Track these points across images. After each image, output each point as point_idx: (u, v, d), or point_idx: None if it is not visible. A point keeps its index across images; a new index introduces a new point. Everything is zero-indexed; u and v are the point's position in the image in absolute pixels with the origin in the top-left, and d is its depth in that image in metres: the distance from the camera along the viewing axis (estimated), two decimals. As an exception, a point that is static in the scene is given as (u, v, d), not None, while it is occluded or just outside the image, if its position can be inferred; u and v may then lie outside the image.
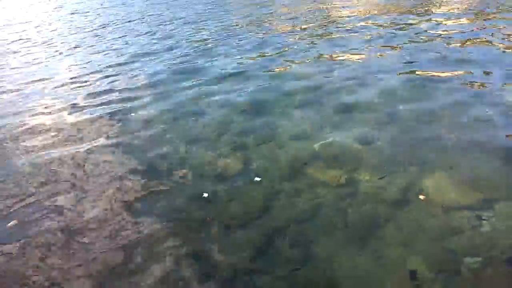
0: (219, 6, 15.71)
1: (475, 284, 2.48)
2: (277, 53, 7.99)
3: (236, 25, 11.29)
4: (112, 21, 14.77)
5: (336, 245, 2.94)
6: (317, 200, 3.41)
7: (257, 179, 3.76)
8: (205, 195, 3.62)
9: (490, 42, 7.04)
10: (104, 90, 6.92)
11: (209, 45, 9.27)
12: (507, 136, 3.99)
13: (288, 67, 7.02)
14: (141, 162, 4.34)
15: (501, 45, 6.79)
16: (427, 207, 3.17)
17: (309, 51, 7.87)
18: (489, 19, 8.90)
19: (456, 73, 5.76)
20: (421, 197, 3.28)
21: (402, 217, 3.12)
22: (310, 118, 4.89)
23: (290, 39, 9.01)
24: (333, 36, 8.86)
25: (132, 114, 5.70)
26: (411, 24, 9.16)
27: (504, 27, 7.99)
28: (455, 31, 8.08)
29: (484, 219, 2.93)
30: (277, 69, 6.98)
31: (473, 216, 2.98)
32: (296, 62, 7.28)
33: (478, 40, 7.26)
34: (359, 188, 3.52)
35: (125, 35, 11.67)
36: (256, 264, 2.87)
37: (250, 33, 10.03)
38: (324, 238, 3.01)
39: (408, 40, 7.77)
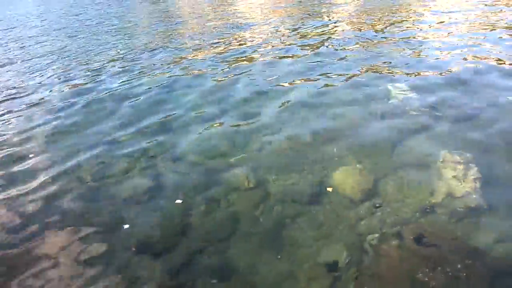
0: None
1: (379, 259, 2.73)
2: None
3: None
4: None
5: (253, 252, 2.99)
6: (232, 209, 3.45)
7: (178, 201, 3.64)
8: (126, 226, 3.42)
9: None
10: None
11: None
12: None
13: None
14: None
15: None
16: (336, 200, 3.41)
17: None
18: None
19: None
20: (329, 189, 3.53)
21: (314, 212, 3.30)
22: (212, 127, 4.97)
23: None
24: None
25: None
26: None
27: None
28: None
29: (378, 206, 3.28)
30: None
31: (373, 203, 3.31)
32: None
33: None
34: (268, 189, 3.64)
35: None
36: (178, 281, 2.82)
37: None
38: (242, 246, 3.05)
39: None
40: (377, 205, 3.26)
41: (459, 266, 2.40)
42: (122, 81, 7.46)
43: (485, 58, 6.24)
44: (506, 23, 8.37)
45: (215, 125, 5.08)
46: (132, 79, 7.48)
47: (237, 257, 2.96)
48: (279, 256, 2.93)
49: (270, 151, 4.28)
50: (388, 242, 2.84)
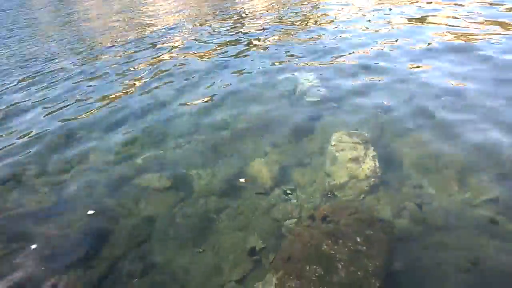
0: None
1: (292, 241, 2.93)
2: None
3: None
4: None
5: (175, 250, 3.05)
6: (148, 211, 3.45)
7: (90, 212, 3.52)
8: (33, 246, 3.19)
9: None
10: None
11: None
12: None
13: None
14: None
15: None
16: (251, 190, 3.58)
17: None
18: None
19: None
20: (242, 180, 3.68)
21: (233, 204, 3.44)
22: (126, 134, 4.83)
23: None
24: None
25: None
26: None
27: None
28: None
29: (289, 193, 3.52)
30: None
31: (285, 189, 3.55)
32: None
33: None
34: (185, 186, 3.69)
35: None
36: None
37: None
38: (162, 246, 3.09)
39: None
40: (289, 191, 3.51)
41: (359, 239, 2.71)
42: None
43: (389, 43, 6.84)
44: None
45: (121, 130, 4.97)
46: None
47: (159, 257, 3.00)
48: (202, 249, 3.03)
49: (185, 149, 4.31)
50: (299, 224, 3.10)
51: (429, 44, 6.41)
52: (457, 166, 3.47)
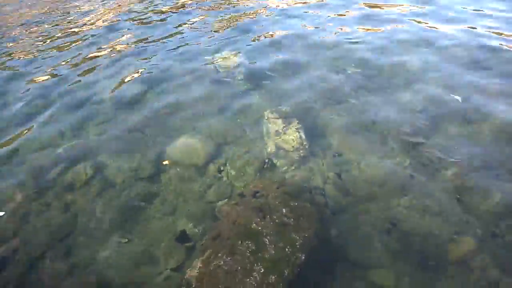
0: None
1: (223, 220, 2.89)
2: None
3: None
4: None
5: (99, 243, 2.90)
6: (69, 205, 3.24)
7: (1, 213, 3.24)
8: None
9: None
10: None
11: None
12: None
13: None
14: None
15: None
16: (180, 172, 3.47)
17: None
18: None
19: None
20: (165, 162, 3.54)
21: (160, 188, 3.32)
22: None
23: None
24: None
25: None
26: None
27: None
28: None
29: (222, 170, 3.46)
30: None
31: (216, 168, 3.49)
32: None
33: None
34: (109, 177, 3.50)
35: None
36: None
37: None
38: (86, 240, 2.93)
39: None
40: (221, 169, 3.45)
41: (286, 212, 2.73)
42: None
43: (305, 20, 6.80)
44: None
45: (38, 119, 4.58)
46: None
47: (83, 252, 2.83)
48: (130, 239, 2.91)
49: (106, 136, 4.05)
50: (229, 203, 3.06)
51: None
52: (380, 130, 3.61)
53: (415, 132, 3.54)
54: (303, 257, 2.45)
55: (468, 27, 5.59)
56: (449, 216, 2.75)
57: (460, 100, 3.87)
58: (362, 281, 2.50)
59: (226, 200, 3.14)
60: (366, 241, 2.72)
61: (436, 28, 5.67)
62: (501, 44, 4.90)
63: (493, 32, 5.32)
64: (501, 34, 5.26)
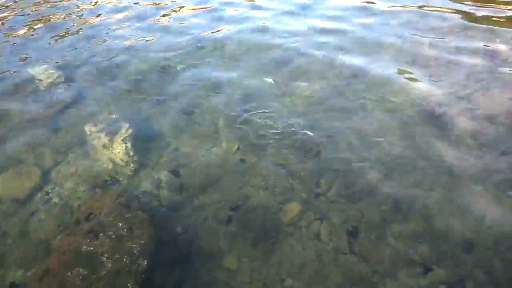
0: None
1: (57, 253, 2.56)
2: None
3: None
4: None
5: None
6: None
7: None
8: None
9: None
10: None
11: None
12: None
13: None
14: None
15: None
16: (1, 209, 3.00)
17: None
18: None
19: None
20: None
21: None
22: None
23: None
24: None
25: None
26: None
27: None
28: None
29: (50, 198, 3.11)
30: None
31: (43, 197, 3.12)
32: None
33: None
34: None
35: None
36: None
37: None
38: None
39: None
40: (50, 197, 3.10)
41: (121, 224, 2.57)
42: None
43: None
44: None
45: None
46: None
47: None
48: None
49: None
50: (65, 233, 2.76)
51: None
52: (209, 118, 3.76)
53: (239, 114, 3.76)
54: (145, 263, 2.36)
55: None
56: (277, 188, 3.00)
57: (272, 82, 4.28)
58: (220, 270, 2.53)
59: (59, 231, 2.83)
60: (211, 230, 2.77)
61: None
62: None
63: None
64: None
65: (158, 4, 7.16)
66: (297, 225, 2.73)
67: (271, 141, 3.40)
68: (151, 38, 5.70)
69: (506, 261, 2.38)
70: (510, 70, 4.09)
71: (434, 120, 3.49)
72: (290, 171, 3.12)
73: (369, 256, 2.50)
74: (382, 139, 3.33)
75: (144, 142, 3.53)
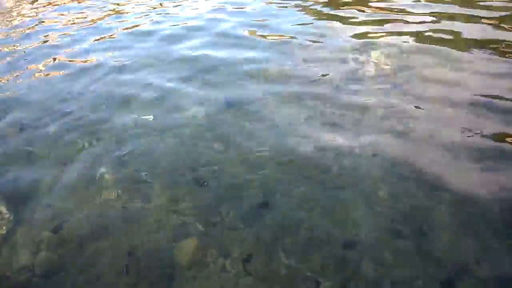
0: None
1: None
2: None
3: None
4: None
5: None
6: None
7: None
8: None
9: None
10: None
11: None
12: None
13: None
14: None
15: None
16: None
17: None
18: None
19: None
20: None
21: None
22: None
23: None
24: None
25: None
26: None
27: None
28: None
29: None
30: None
31: None
32: None
33: None
34: None
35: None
36: None
37: None
38: None
39: None
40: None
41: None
42: None
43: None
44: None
45: None
46: None
47: None
48: None
49: None
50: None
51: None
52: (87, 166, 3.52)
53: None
54: None
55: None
56: (168, 223, 2.90)
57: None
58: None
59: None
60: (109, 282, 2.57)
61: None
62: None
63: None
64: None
65: None
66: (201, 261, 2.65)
67: (154, 184, 3.29)
68: None
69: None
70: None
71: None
72: (176, 200, 3.06)
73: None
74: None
75: (17, 200, 3.17)
